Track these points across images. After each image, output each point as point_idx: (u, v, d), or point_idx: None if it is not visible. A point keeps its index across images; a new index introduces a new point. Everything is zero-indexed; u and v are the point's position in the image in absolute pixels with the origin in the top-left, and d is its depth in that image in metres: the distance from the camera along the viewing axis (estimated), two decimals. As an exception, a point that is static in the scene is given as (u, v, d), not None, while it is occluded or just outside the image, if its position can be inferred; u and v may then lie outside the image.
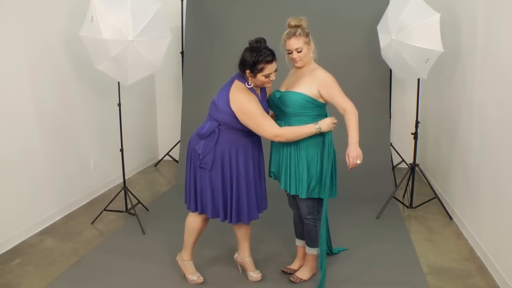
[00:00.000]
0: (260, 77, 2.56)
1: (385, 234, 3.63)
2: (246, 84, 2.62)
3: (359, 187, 4.47)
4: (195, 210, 2.80)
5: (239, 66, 2.60)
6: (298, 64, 2.69)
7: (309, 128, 2.59)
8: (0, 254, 3.33)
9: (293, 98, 2.63)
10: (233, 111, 2.57)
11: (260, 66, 2.52)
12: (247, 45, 2.58)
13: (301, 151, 2.65)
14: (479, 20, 3.41)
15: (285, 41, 2.66)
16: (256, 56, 2.50)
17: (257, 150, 2.76)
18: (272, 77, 2.59)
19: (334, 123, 2.62)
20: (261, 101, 2.67)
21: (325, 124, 2.60)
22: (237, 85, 2.61)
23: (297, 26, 2.63)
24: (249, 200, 2.74)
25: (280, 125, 2.67)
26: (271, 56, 2.53)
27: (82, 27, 3.47)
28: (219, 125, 2.64)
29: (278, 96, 2.69)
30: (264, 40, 2.58)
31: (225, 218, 2.77)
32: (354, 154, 2.55)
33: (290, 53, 2.67)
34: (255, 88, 2.67)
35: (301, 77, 2.68)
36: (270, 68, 2.54)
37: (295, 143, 2.65)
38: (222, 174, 2.69)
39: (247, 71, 2.56)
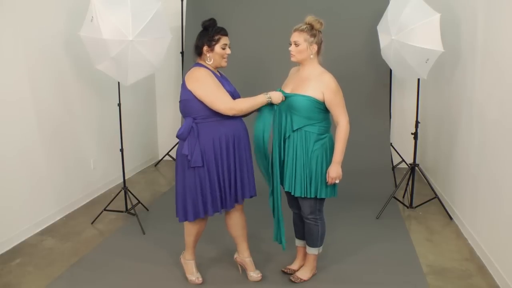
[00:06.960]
0: (218, 48, 2.67)
1: (385, 234, 3.63)
2: (204, 66, 2.68)
3: (359, 187, 4.47)
4: (185, 219, 2.76)
5: (195, 48, 2.71)
6: (292, 58, 2.73)
7: (260, 98, 2.67)
8: (0, 254, 3.33)
9: (301, 101, 2.63)
10: (193, 93, 2.61)
11: (217, 37, 2.66)
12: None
13: (309, 153, 2.66)
14: (479, 20, 3.41)
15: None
16: (212, 30, 2.67)
17: (240, 134, 2.74)
18: (228, 50, 2.71)
19: (282, 98, 2.68)
20: (224, 82, 2.71)
21: (275, 96, 2.68)
22: (192, 69, 2.70)
23: (308, 24, 2.67)
24: (236, 184, 2.75)
25: (286, 124, 2.68)
26: (225, 30, 2.71)
27: (82, 27, 3.47)
28: (194, 119, 2.65)
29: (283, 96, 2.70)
30: (215, 20, 2.71)
31: (214, 210, 2.74)
32: (334, 175, 2.65)
33: (290, 45, 2.72)
34: (215, 72, 2.73)
35: (307, 79, 2.68)
36: (225, 40, 2.69)
37: (302, 146, 2.66)
38: (207, 165, 2.67)
39: (205, 47, 2.66)
